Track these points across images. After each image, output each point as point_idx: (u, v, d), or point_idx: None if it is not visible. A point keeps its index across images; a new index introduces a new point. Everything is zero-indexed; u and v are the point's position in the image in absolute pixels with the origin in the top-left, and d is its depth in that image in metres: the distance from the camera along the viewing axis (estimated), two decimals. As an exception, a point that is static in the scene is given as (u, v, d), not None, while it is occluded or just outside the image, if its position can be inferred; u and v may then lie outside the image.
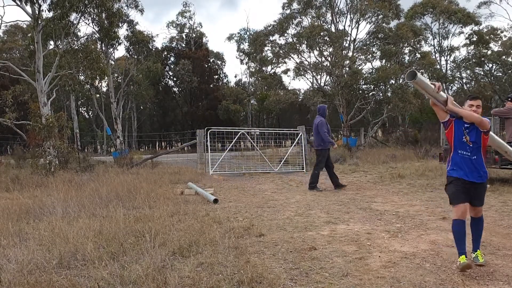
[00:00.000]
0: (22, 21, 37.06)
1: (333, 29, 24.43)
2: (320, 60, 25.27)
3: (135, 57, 29.96)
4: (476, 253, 3.30)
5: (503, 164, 7.44)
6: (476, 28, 31.26)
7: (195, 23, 44.36)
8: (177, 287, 2.83)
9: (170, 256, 3.53)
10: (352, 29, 24.78)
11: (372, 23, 24.21)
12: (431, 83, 3.17)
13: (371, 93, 24.86)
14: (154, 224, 4.50)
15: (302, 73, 27.68)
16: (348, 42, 24.85)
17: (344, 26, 24.73)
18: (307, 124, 33.50)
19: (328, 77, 27.63)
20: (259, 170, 12.11)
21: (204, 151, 11.87)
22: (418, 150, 15.33)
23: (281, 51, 25.90)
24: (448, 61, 33.65)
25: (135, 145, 36.90)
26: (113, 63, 29.90)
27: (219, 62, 45.10)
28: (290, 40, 25.04)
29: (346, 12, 24.60)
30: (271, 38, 25.49)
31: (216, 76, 43.37)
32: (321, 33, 23.37)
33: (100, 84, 31.14)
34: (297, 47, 25.05)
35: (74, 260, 3.46)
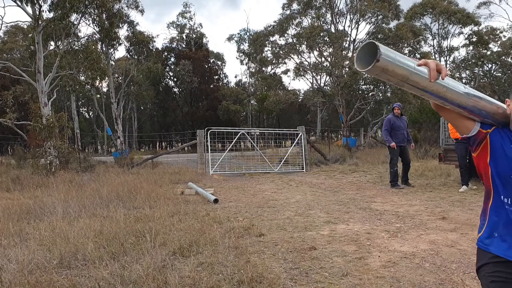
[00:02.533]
0: (23, 22, 37.06)
1: (333, 30, 24.47)
2: (320, 60, 25.32)
3: (136, 57, 29.99)
4: None
5: None
6: (475, 28, 31.27)
7: (195, 23, 44.45)
8: (177, 287, 2.84)
9: (171, 256, 3.54)
10: (351, 29, 24.81)
11: (371, 24, 24.26)
12: (413, 60, 1.32)
13: (370, 93, 24.89)
14: (154, 224, 4.51)
15: (302, 73, 27.73)
16: (348, 42, 24.89)
17: (344, 26, 24.79)
18: (307, 124, 33.61)
19: (328, 77, 27.66)
20: (259, 170, 12.12)
21: (205, 151, 11.88)
22: (418, 150, 15.34)
23: (281, 52, 25.95)
24: (448, 62, 33.66)
25: (135, 145, 36.91)
26: (113, 63, 29.92)
27: (219, 63, 45.18)
28: (290, 40, 25.09)
29: (346, 12, 24.66)
30: (271, 39, 25.55)
31: (216, 77, 43.41)
32: (321, 34, 23.41)
33: (100, 84, 31.22)
34: (297, 48, 25.09)
35: (75, 260, 3.46)
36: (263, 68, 37.91)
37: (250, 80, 41.21)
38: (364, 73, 1.17)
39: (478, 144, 1.51)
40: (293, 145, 13.20)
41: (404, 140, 8.10)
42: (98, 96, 33.35)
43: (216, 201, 6.53)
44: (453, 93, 1.37)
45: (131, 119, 38.35)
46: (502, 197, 1.45)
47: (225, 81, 45.51)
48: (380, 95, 24.62)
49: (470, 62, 32.37)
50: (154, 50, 32.12)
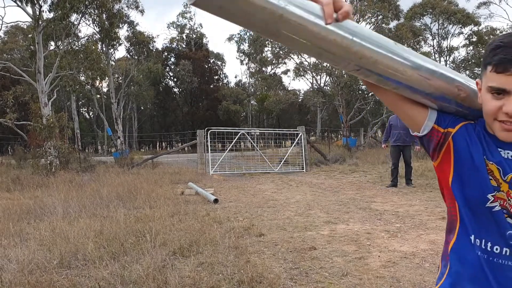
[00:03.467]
0: (23, 22, 37.01)
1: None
2: (320, 60, 25.31)
3: (136, 57, 30.02)
4: None
5: None
6: (475, 28, 31.29)
7: (196, 24, 44.49)
8: (177, 287, 2.84)
9: (171, 256, 3.54)
10: (352, 29, 24.83)
11: (371, 24, 24.23)
12: None
13: (370, 93, 24.88)
14: (154, 224, 4.51)
15: (302, 73, 27.79)
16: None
17: (344, 26, 24.78)
18: (307, 124, 33.63)
19: (328, 77, 27.68)
20: (259, 170, 12.12)
21: (205, 151, 11.89)
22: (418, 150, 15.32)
23: (281, 52, 25.99)
24: (448, 62, 33.66)
25: (135, 145, 36.92)
26: (113, 63, 29.92)
27: (219, 63, 45.22)
28: (290, 40, 25.10)
29: (346, 12, 24.65)
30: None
31: (216, 77, 43.45)
32: (321, 34, 23.43)
33: (100, 84, 31.19)
34: (297, 48, 25.09)
35: (75, 260, 3.47)
36: (263, 68, 37.94)
37: (250, 80, 41.23)
38: (203, 9, 0.62)
39: (436, 148, 0.93)
40: (293, 145, 13.20)
41: (400, 139, 8.02)
42: (98, 96, 33.35)
43: (216, 201, 6.53)
44: (373, 52, 0.75)
45: (131, 119, 38.37)
46: (472, 237, 0.90)
47: (225, 81, 45.59)
48: (380, 95, 24.61)
49: (470, 62, 32.38)
50: (154, 50, 32.16)
